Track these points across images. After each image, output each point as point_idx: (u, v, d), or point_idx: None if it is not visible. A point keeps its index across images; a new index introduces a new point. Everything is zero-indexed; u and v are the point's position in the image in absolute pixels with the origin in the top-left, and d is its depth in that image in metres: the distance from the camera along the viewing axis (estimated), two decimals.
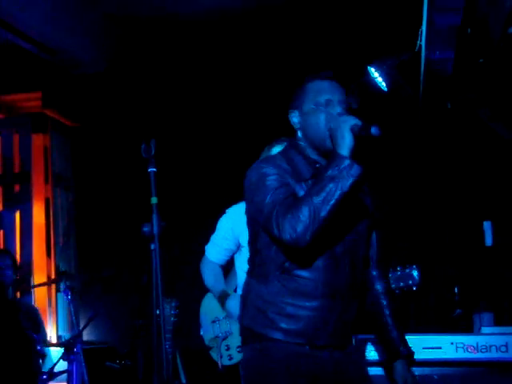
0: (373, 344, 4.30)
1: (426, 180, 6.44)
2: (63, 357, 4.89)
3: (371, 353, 4.30)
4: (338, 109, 2.91)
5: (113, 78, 6.89)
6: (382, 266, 3.15)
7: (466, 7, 4.47)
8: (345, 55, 6.34)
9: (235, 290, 4.50)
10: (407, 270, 4.34)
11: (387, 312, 3.10)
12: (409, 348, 3.09)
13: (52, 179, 6.89)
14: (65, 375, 4.94)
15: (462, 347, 4.41)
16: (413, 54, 5.36)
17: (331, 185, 2.70)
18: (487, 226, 6.25)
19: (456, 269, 6.26)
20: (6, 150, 6.95)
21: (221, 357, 4.44)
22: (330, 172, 2.72)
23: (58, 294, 6.66)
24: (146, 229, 2.92)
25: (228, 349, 4.46)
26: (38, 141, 6.95)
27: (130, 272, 6.04)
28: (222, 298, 4.42)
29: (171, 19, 6.55)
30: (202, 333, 4.68)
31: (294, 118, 3.01)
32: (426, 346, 4.40)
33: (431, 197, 6.45)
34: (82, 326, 5.14)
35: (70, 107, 6.97)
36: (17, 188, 6.93)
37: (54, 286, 6.68)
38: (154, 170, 2.98)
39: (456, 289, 5.97)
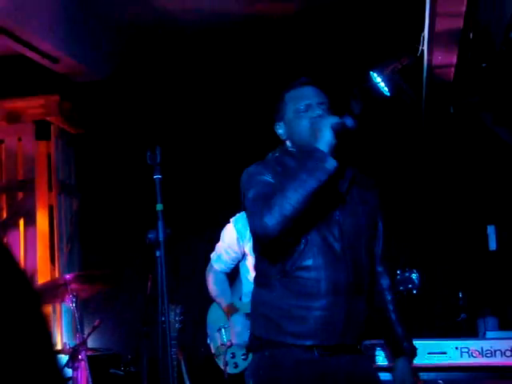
0: (381, 349, 4.31)
1: (430, 185, 6.44)
2: (68, 364, 4.90)
3: (378, 358, 4.30)
4: (318, 111, 2.95)
5: (116, 85, 6.90)
6: (386, 262, 3.15)
7: (467, 12, 4.48)
8: (347, 60, 6.35)
9: (240, 299, 4.50)
10: (407, 274, 4.34)
11: (391, 308, 3.10)
12: (412, 345, 3.09)
13: (56, 186, 6.90)
14: (70, 382, 4.95)
15: (467, 352, 4.41)
16: (415, 59, 5.37)
17: (304, 176, 2.74)
18: (491, 230, 6.25)
19: (460, 273, 6.26)
20: (10, 157, 6.96)
21: (226, 365, 4.44)
22: (304, 164, 2.78)
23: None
24: (151, 236, 2.93)
25: (233, 357, 4.46)
26: (42, 148, 6.96)
27: (135, 279, 6.04)
28: (229, 312, 4.42)
29: (174, 26, 6.57)
30: (208, 341, 4.69)
31: (280, 130, 3.09)
32: (431, 351, 4.40)
33: (435, 201, 6.44)
34: (86, 333, 5.14)
35: (73, 114, 6.98)
36: (20, 195, 6.94)
37: None
38: (160, 177, 2.99)
39: (460, 293, 5.97)
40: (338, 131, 2.77)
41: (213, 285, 4.60)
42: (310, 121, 2.92)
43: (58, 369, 1.19)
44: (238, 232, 4.40)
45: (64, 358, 5.03)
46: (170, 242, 2.93)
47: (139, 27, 6.69)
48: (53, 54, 6.17)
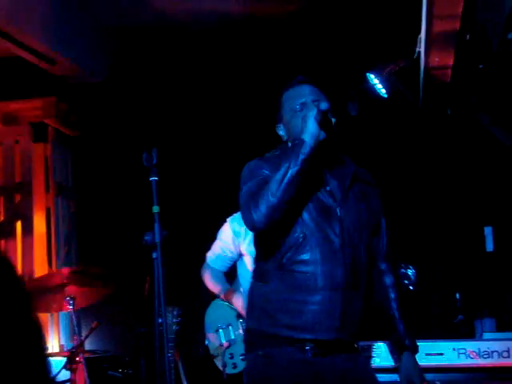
0: (377, 350, 4.31)
1: (427, 186, 6.45)
2: (66, 366, 4.89)
3: (375, 359, 4.31)
4: (313, 108, 2.94)
5: (113, 86, 6.90)
6: (390, 259, 3.14)
7: (464, 13, 4.48)
8: (344, 62, 6.36)
9: None
10: (403, 270, 4.35)
11: (394, 305, 3.08)
12: (414, 341, 3.08)
13: (53, 188, 6.89)
14: None
15: (464, 353, 4.41)
16: (412, 60, 5.37)
17: (286, 164, 2.78)
18: (488, 231, 6.26)
19: (457, 275, 6.26)
20: (7, 159, 6.95)
21: (225, 366, 4.45)
22: (286, 154, 2.84)
23: None
24: (147, 237, 2.93)
25: (232, 357, 4.47)
26: (39, 150, 6.95)
27: (133, 281, 6.04)
28: (229, 296, 4.43)
29: (171, 28, 6.57)
30: (206, 342, 4.69)
31: (281, 132, 3.12)
32: (429, 352, 4.40)
33: (432, 203, 6.45)
34: (84, 335, 5.14)
35: (70, 116, 6.97)
36: (18, 198, 6.92)
37: None
38: (156, 178, 2.99)
39: (457, 295, 5.97)
40: (320, 119, 2.79)
41: (210, 280, 4.61)
42: (303, 118, 2.92)
43: (46, 372, 1.19)
44: (234, 231, 4.41)
45: (62, 361, 5.02)
46: (167, 244, 2.93)
47: (136, 29, 6.69)
48: (49, 55, 6.17)
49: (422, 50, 4.95)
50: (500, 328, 5.93)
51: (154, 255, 2.93)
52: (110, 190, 6.94)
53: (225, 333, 4.53)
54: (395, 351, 3.09)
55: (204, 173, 6.77)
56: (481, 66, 5.09)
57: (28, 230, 6.81)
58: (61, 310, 5.42)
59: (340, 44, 6.43)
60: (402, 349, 3.05)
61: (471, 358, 4.40)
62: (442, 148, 6.38)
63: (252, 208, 2.80)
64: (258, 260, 3.08)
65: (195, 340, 5.59)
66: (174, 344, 4.72)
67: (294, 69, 6.16)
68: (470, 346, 4.43)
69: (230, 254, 4.50)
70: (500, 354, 4.37)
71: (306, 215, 2.87)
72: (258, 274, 3.04)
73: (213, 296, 4.79)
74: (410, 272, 4.38)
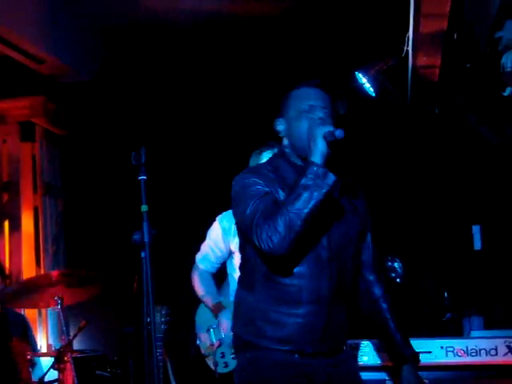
0: (364, 348, 4.31)
1: (415, 185, 6.46)
2: (53, 366, 4.87)
3: (362, 357, 4.31)
4: (320, 113, 2.93)
5: (102, 85, 6.88)
6: (378, 269, 3.14)
7: (451, 12, 4.49)
8: (332, 61, 6.36)
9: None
10: (389, 264, 4.36)
11: (388, 316, 3.08)
12: (413, 350, 3.08)
13: (41, 188, 6.87)
14: None
15: (452, 351, 4.42)
16: (400, 59, 5.39)
17: (306, 194, 2.72)
18: (476, 230, 6.28)
19: (445, 273, 6.28)
20: None
21: (216, 365, 4.45)
22: (303, 181, 2.75)
23: None
24: (136, 237, 2.92)
25: (223, 356, 4.47)
26: (27, 149, 6.93)
27: (121, 280, 6.02)
28: (216, 311, 4.43)
29: (160, 27, 6.57)
30: (197, 342, 4.68)
31: (280, 126, 3.04)
32: (417, 350, 4.40)
33: (420, 201, 6.47)
34: (72, 334, 5.12)
35: (58, 115, 6.95)
36: (5, 197, 6.90)
37: None
38: (145, 177, 2.98)
39: (446, 293, 5.99)
40: (329, 141, 2.77)
41: (198, 284, 4.60)
42: (310, 123, 2.89)
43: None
44: (223, 229, 4.40)
45: (50, 360, 5.01)
46: (156, 243, 2.93)
47: (124, 28, 6.69)
48: (38, 54, 6.15)
49: (410, 49, 4.97)
50: (488, 326, 5.94)
51: (143, 254, 2.92)
52: (99, 190, 6.92)
53: (215, 332, 4.52)
54: (395, 363, 3.09)
55: (193, 172, 6.77)
56: (468, 66, 5.11)
57: (16, 229, 6.79)
58: (48, 307, 5.40)
59: (328, 43, 6.44)
60: (403, 361, 3.05)
61: (459, 356, 4.40)
62: (430, 147, 6.40)
63: (271, 234, 2.72)
64: (243, 268, 3.05)
65: (184, 339, 5.58)
66: (163, 343, 4.72)
67: (280, 68, 6.19)
68: (458, 344, 4.44)
69: (219, 253, 4.50)
70: (488, 352, 4.37)
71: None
72: (244, 282, 3.04)
73: None
74: (396, 265, 4.39)
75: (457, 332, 5.63)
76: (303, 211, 2.70)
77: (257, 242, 2.78)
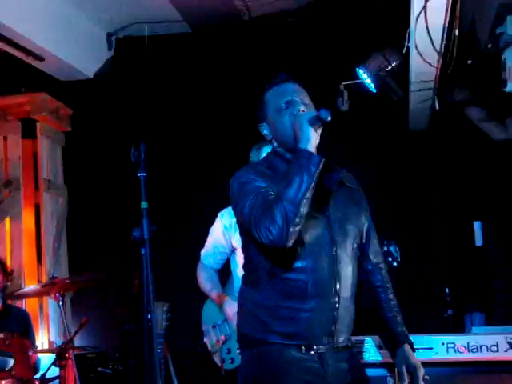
0: (369, 346, 4.32)
1: (416, 181, 6.46)
2: (55, 363, 4.88)
3: (367, 354, 4.31)
4: (300, 106, 2.93)
5: (103, 83, 6.88)
6: (377, 259, 3.14)
7: (453, 8, 4.49)
8: (333, 57, 6.36)
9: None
10: (385, 248, 4.36)
11: (385, 305, 3.07)
12: (409, 339, 3.07)
13: (42, 185, 6.87)
14: (57, 381, 4.93)
15: (453, 347, 4.42)
16: (403, 60, 5.38)
17: (297, 179, 2.73)
18: (477, 226, 6.28)
19: (447, 269, 6.28)
20: None
21: (223, 361, 4.45)
22: (292, 167, 2.77)
23: (50, 299, 6.64)
24: (136, 233, 2.91)
25: (229, 352, 4.48)
26: (28, 146, 6.93)
27: (121, 277, 6.03)
28: (220, 300, 4.44)
29: (161, 26, 6.58)
30: (205, 339, 4.69)
31: (265, 131, 3.05)
32: (418, 346, 4.40)
33: (421, 198, 6.46)
34: (73, 331, 5.13)
35: (59, 113, 6.95)
36: (6, 194, 6.90)
37: None
38: (144, 174, 2.97)
39: (447, 289, 5.99)
40: (316, 125, 2.77)
41: (203, 280, 4.61)
42: (291, 117, 2.90)
43: None
44: (224, 225, 4.41)
45: (51, 357, 5.02)
46: (156, 240, 2.92)
47: (126, 26, 6.70)
48: (39, 52, 6.15)
49: (412, 44, 4.95)
50: (489, 322, 5.95)
51: (143, 251, 2.92)
52: (100, 186, 6.93)
53: (221, 328, 4.54)
54: (390, 350, 3.08)
55: (193, 168, 6.77)
56: (469, 62, 5.10)
57: (17, 226, 6.79)
58: (49, 295, 5.44)
59: (329, 39, 6.44)
60: (397, 345, 3.05)
61: (460, 353, 4.41)
62: (431, 143, 6.39)
63: (270, 226, 2.72)
64: (247, 266, 3.05)
65: (186, 336, 5.59)
66: (164, 340, 4.72)
67: (281, 64, 6.18)
68: (459, 340, 4.44)
69: (221, 250, 4.50)
70: (489, 348, 4.38)
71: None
72: (248, 280, 3.02)
73: None
74: (392, 248, 4.39)
75: (458, 328, 5.63)
76: (297, 196, 2.71)
77: (257, 236, 2.78)
